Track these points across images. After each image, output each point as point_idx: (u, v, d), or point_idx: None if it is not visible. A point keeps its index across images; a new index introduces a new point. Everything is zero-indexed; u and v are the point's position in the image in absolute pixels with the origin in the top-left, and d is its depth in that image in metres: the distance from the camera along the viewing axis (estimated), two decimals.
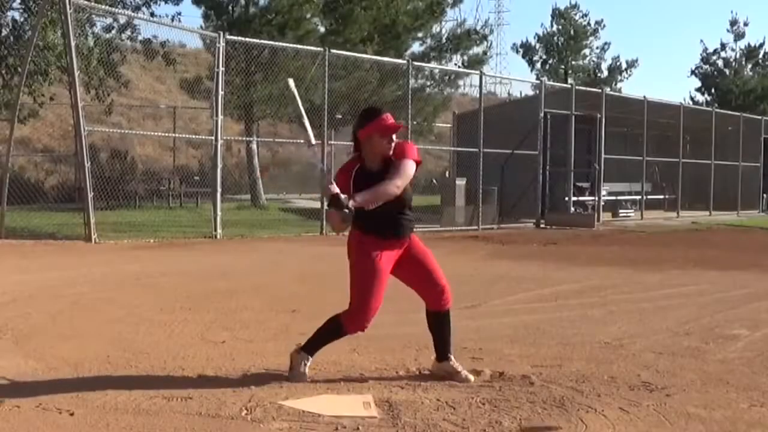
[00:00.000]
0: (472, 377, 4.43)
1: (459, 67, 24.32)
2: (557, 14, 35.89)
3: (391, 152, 4.29)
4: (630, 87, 71.24)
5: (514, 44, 50.49)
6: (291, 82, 4.62)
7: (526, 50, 36.01)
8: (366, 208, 4.16)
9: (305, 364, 4.40)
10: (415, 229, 4.49)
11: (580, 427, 3.67)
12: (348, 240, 4.42)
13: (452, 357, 4.51)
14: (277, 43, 17.21)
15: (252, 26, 19.08)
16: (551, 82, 24.54)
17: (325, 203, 4.26)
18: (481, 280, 8.87)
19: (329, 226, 4.44)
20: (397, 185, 4.20)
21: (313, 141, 4.42)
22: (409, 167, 4.27)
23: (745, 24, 37.39)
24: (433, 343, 4.55)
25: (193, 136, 23.15)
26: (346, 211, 4.05)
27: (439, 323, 4.51)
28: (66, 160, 22.11)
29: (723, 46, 37.76)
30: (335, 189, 4.12)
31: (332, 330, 4.41)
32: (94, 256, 10.95)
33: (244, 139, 20.75)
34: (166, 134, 23.99)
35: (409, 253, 4.40)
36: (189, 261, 10.54)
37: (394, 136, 4.33)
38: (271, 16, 19.51)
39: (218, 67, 13.75)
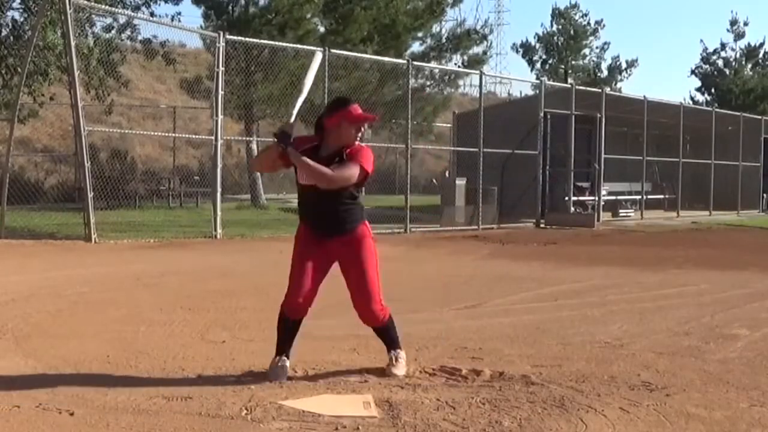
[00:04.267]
0: (399, 373, 4.41)
1: (459, 67, 24.32)
2: (557, 14, 35.90)
3: (356, 143, 4.35)
4: (630, 87, 71.32)
5: (514, 44, 50.50)
6: (318, 55, 4.75)
7: (526, 50, 36.03)
8: (299, 170, 4.31)
9: (282, 360, 4.39)
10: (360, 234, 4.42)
11: (580, 427, 3.67)
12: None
13: (393, 351, 4.51)
14: (277, 43, 17.22)
15: (252, 26, 19.08)
16: (551, 82, 24.53)
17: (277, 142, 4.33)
18: (481, 280, 8.87)
19: (261, 158, 4.80)
20: (333, 179, 4.25)
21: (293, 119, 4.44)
22: (354, 172, 4.28)
23: (745, 24, 37.44)
24: None
25: (193, 136, 23.13)
26: (283, 147, 4.22)
27: (376, 332, 4.57)
28: (66, 160, 22.08)
29: (723, 46, 37.82)
30: (291, 131, 4.27)
31: (279, 319, 4.45)
32: (94, 256, 10.94)
33: (244, 139, 20.74)
34: (166, 134, 23.98)
35: (344, 252, 4.40)
36: (189, 261, 10.54)
37: (363, 127, 4.41)
38: (271, 15, 19.51)
39: (218, 67, 13.74)
